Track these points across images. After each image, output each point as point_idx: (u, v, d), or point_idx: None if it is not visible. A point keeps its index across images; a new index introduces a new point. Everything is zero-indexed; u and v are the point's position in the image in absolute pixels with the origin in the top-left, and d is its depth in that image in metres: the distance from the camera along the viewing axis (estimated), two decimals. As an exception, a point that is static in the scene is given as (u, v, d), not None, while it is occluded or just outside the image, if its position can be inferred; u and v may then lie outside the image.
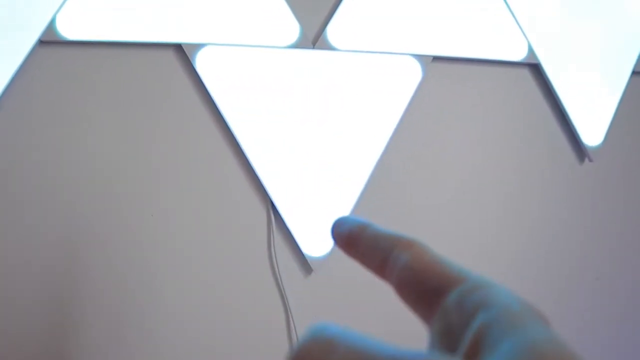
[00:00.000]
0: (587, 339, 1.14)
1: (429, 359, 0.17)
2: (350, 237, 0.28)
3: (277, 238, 0.96)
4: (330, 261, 0.96)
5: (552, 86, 1.08)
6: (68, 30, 0.90)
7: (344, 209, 0.97)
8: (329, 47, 0.97)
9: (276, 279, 0.96)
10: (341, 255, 0.97)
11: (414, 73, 1.01)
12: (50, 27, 0.90)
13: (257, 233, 0.96)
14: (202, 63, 0.93)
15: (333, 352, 0.19)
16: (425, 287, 0.24)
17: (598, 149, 1.10)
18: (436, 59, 1.02)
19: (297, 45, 0.96)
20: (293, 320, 0.96)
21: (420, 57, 1.01)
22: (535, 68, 1.08)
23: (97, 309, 0.91)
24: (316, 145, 0.97)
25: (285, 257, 0.96)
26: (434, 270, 0.24)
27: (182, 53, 0.93)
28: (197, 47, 0.93)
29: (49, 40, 0.89)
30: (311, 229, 0.96)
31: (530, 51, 1.06)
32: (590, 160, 1.10)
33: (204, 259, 0.95)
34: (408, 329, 1.00)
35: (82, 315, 0.90)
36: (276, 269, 0.96)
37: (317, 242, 0.96)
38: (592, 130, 1.10)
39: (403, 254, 0.25)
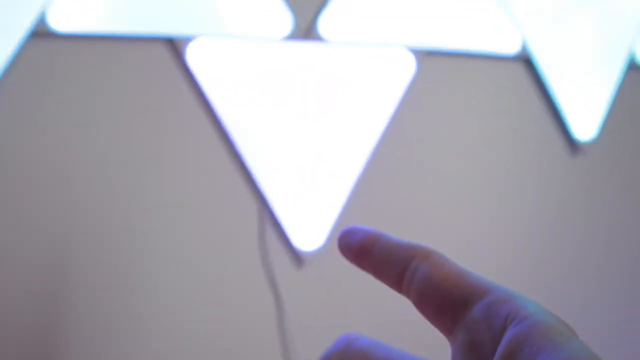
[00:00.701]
0: (585, 333, 1.14)
1: None
2: (362, 248, 0.26)
3: (269, 231, 0.96)
4: (322, 255, 0.96)
5: (545, 81, 1.08)
6: (59, 24, 0.89)
7: (337, 203, 0.97)
8: (322, 39, 0.96)
9: (268, 273, 0.96)
10: (333, 249, 0.96)
11: (408, 66, 1.00)
12: (42, 20, 0.89)
13: (249, 226, 0.96)
14: (193, 55, 0.92)
15: None
16: (448, 298, 0.23)
17: (591, 143, 1.10)
18: (430, 52, 1.01)
19: (290, 37, 0.95)
20: (284, 313, 0.96)
21: (414, 50, 1.00)
22: (528, 63, 1.08)
23: (91, 300, 0.91)
24: (308, 139, 0.97)
25: (277, 250, 0.96)
26: (456, 281, 0.23)
27: (173, 46, 0.92)
28: (188, 40, 0.92)
29: (40, 33, 0.89)
30: (303, 223, 0.96)
31: (524, 46, 1.06)
32: (584, 154, 1.11)
33: (196, 252, 0.94)
34: (398, 319, 1.01)
35: (75, 312, 0.90)
36: (268, 262, 0.96)
37: (308, 235, 0.96)
38: (586, 124, 1.10)
39: (422, 265, 0.24)
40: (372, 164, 0.99)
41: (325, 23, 0.96)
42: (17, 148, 0.89)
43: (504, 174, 1.09)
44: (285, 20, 0.95)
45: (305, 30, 0.96)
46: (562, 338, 0.19)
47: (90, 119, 0.91)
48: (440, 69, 1.03)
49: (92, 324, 0.91)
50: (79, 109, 0.91)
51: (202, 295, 0.95)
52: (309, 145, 0.96)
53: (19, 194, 0.89)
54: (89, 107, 0.91)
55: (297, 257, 0.97)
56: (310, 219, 0.96)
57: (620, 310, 1.17)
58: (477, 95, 1.07)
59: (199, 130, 0.94)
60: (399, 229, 1.04)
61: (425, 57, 1.01)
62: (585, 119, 1.10)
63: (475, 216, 1.08)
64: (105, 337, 0.92)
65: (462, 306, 0.22)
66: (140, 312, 0.93)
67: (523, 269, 1.11)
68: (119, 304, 0.92)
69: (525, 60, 1.08)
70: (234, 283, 0.96)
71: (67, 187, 0.90)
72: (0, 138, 0.88)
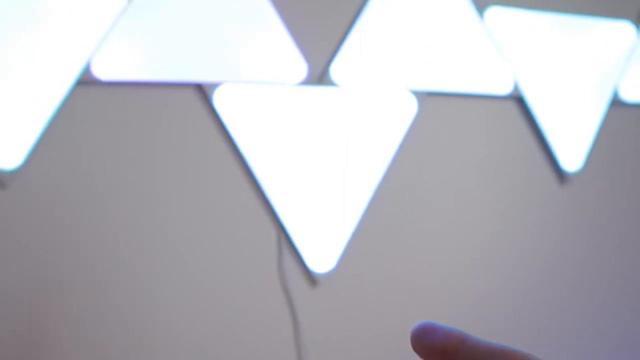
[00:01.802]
0: (565, 344, 1.25)
1: None
2: (444, 351, 0.23)
3: (286, 255, 1.07)
4: (334, 276, 1.08)
5: (535, 117, 1.19)
6: (102, 73, 1.01)
7: (347, 229, 1.08)
8: (333, 84, 1.08)
9: (285, 292, 1.08)
10: (344, 270, 1.08)
11: (410, 106, 1.12)
12: (87, 69, 1.01)
13: (268, 250, 1.08)
14: (220, 99, 1.04)
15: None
16: None
17: (578, 173, 1.21)
18: (431, 94, 1.13)
19: (305, 82, 1.07)
20: (300, 329, 1.08)
21: (416, 92, 1.12)
22: (520, 101, 1.19)
23: (114, 322, 1.02)
24: (322, 172, 1.08)
25: (293, 271, 1.08)
26: None
27: (202, 90, 1.04)
28: (215, 85, 1.04)
29: (86, 81, 1.01)
30: (317, 247, 1.08)
31: (516, 86, 1.18)
32: (570, 184, 1.22)
33: (221, 273, 1.06)
34: (406, 336, 1.11)
35: (93, 332, 1.02)
36: (285, 282, 1.07)
37: (322, 258, 1.08)
38: (573, 156, 1.22)
39: None
40: (379, 194, 1.10)
41: (336, 69, 1.08)
42: (66, 181, 1.01)
43: (498, 201, 1.21)
44: (301, 68, 1.07)
45: (319, 76, 1.08)
46: None
47: (129, 155, 1.03)
48: (439, 109, 1.15)
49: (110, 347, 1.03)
50: (118, 147, 1.03)
51: (225, 312, 1.07)
52: (322, 178, 1.08)
53: (67, 222, 1.01)
54: (128, 145, 1.03)
55: (311, 278, 1.08)
56: (323, 243, 1.08)
57: (608, 326, 1.28)
58: (474, 131, 1.19)
59: (224, 165, 1.06)
60: (403, 251, 1.16)
61: (426, 97, 1.13)
62: (572, 151, 1.21)
63: (472, 238, 1.19)
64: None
65: None
66: (162, 330, 1.04)
67: (518, 289, 1.22)
68: (143, 322, 1.03)
69: (517, 99, 1.20)
70: (254, 301, 1.07)
71: (110, 215, 1.02)
72: (51, 172, 1.00)
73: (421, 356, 0.24)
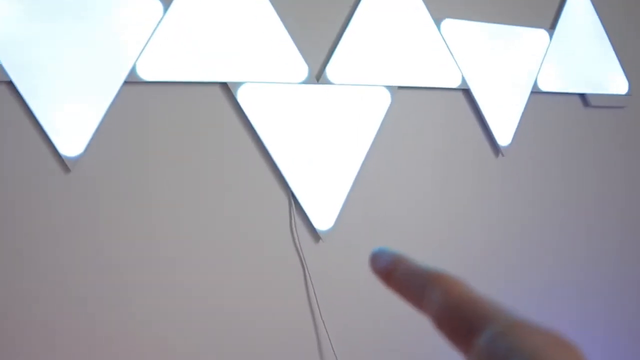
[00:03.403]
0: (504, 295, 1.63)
1: None
2: (387, 271, 0.28)
3: (296, 217, 1.36)
4: (332, 233, 1.38)
5: (477, 104, 1.53)
6: (146, 73, 1.24)
7: (340, 197, 1.39)
8: (328, 82, 1.37)
9: (296, 246, 1.37)
10: (339, 229, 1.45)
11: (386, 98, 1.43)
12: (133, 71, 1.23)
13: (282, 213, 1.35)
14: (242, 96, 1.30)
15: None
16: (459, 323, 0.23)
17: (508, 147, 1.58)
18: (400, 88, 1.44)
19: (307, 81, 1.35)
20: (309, 273, 1.38)
21: (389, 87, 1.43)
22: (466, 92, 1.53)
23: (143, 290, 1.27)
24: (321, 152, 1.37)
25: (302, 229, 1.36)
26: (466, 306, 0.23)
27: (227, 88, 1.29)
28: (238, 84, 1.30)
29: (132, 81, 1.23)
30: (319, 211, 1.37)
31: (463, 80, 1.51)
32: (503, 155, 1.58)
33: (248, 231, 1.33)
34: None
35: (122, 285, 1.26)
36: (296, 238, 1.36)
37: (323, 219, 1.38)
38: (504, 134, 1.57)
39: (436, 289, 0.25)
40: (363, 167, 1.41)
41: (331, 71, 1.37)
42: (118, 165, 1.23)
43: (449, 168, 1.54)
44: (303, 70, 1.34)
45: (317, 76, 1.36)
46: None
47: (169, 142, 1.26)
48: (407, 99, 1.46)
49: (132, 296, 1.28)
50: (160, 136, 1.26)
51: (250, 262, 1.33)
52: (322, 156, 1.37)
53: (120, 200, 1.23)
54: (168, 134, 1.26)
55: (316, 234, 1.38)
56: (324, 208, 1.38)
57: (537, 275, 1.66)
58: (432, 115, 1.50)
59: (247, 149, 1.31)
60: (383, 212, 1.46)
61: (397, 90, 1.44)
62: (504, 129, 1.57)
63: (431, 198, 1.52)
64: (150, 302, 1.29)
65: (472, 332, 0.23)
66: (207, 272, 1.29)
67: (466, 237, 1.57)
68: (176, 270, 1.29)
69: (464, 90, 1.53)
70: (274, 253, 1.35)
71: (153, 193, 1.25)
72: (106, 158, 1.22)
73: (376, 275, 0.28)
